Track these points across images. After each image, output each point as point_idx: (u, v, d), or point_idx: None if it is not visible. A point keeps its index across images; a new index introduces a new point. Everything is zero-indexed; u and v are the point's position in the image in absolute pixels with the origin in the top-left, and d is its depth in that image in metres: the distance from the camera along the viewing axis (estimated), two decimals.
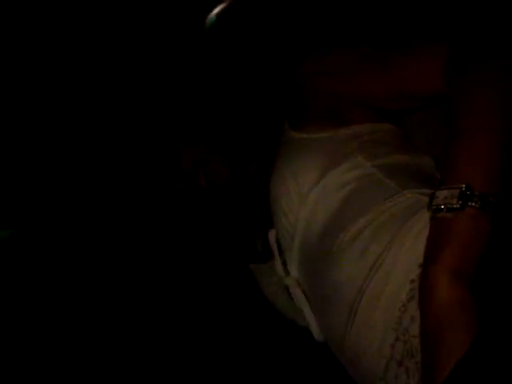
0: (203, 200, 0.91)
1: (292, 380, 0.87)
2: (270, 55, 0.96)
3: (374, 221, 0.74)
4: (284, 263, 0.87)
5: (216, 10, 0.99)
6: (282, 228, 0.87)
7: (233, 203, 0.91)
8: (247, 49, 0.98)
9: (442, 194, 0.62)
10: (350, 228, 0.76)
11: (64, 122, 1.07)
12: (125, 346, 0.93)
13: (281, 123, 0.91)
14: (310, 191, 0.81)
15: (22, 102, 1.07)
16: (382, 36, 0.87)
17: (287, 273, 0.87)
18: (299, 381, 0.87)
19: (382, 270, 0.71)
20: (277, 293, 0.90)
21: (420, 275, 0.66)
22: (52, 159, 1.06)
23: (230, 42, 1.00)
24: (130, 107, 0.99)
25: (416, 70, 0.74)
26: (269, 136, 0.92)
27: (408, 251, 0.70)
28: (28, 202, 1.06)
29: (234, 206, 0.91)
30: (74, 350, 0.93)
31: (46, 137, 1.07)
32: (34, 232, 1.04)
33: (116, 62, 1.05)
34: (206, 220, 0.93)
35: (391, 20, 0.91)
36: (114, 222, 1.02)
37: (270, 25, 0.99)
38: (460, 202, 0.60)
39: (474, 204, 0.59)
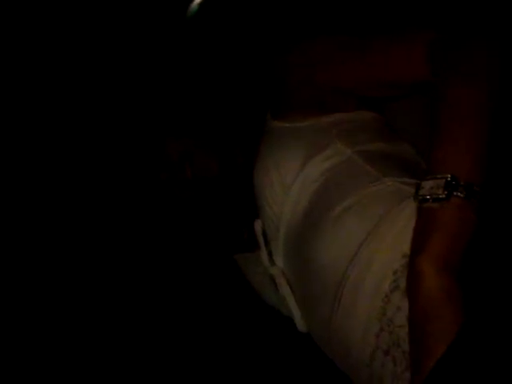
0: (190, 192, 0.91)
1: (278, 370, 0.87)
2: (253, 45, 0.95)
3: (354, 206, 0.74)
4: (270, 253, 0.87)
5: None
6: (267, 218, 0.86)
7: (220, 194, 0.91)
8: (229, 39, 0.97)
9: (427, 184, 0.62)
10: (331, 214, 0.75)
11: (53, 115, 1.05)
12: (119, 339, 0.93)
13: (264, 112, 0.90)
14: (293, 182, 0.81)
15: (20, 101, 1.05)
16: (365, 24, 0.87)
17: (273, 263, 0.87)
18: (285, 371, 0.87)
19: (365, 257, 0.71)
20: (263, 282, 0.89)
21: (404, 266, 0.67)
22: (41, 153, 1.05)
23: (212, 31, 0.99)
24: (118, 100, 0.97)
25: (400, 58, 0.73)
26: (253, 125, 0.91)
27: (391, 240, 0.70)
28: (27, 204, 1.04)
29: (222, 197, 0.91)
30: (72, 349, 0.92)
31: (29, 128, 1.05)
32: (34, 235, 1.02)
33: (103, 56, 1.03)
34: (193, 212, 0.92)
35: (375, 8, 0.90)
36: (103, 216, 1.01)
37: (253, 14, 0.98)
38: (446, 192, 0.60)
39: (459, 194, 0.60)
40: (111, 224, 1.01)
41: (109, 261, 0.99)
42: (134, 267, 0.98)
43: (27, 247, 1.02)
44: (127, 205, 0.99)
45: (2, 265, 0.99)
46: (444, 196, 0.60)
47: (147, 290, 0.97)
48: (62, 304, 0.96)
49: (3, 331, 0.93)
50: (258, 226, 0.89)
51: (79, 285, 0.98)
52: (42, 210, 1.03)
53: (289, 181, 0.82)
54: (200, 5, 0.97)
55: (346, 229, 0.74)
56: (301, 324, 0.84)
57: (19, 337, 0.94)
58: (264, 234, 0.88)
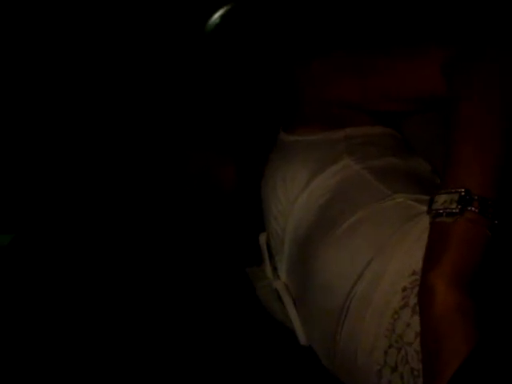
0: (211, 203, 0.90)
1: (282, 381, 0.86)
2: (272, 58, 0.95)
3: (363, 222, 0.73)
4: (274, 267, 0.86)
5: (219, 12, 0.98)
6: (272, 231, 0.86)
7: (236, 206, 0.90)
8: (250, 51, 0.97)
9: (441, 198, 0.61)
10: (337, 229, 0.74)
11: (67, 124, 1.05)
12: (124, 346, 0.91)
13: (277, 124, 0.91)
14: (298, 196, 0.81)
15: (21, 102, 1.05)
16: (380, 38, 0.87)
17: (277, 277, 0.86)
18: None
19: (373, 273, 0.70)
20: (268, 296, 0.88)
21: (413, 283, 0.66)
22: (53, 162, 1.04)
23: (233, 44, 0.99)
24: (138, 112, 0.97)
25: (415, 73, 0.73)
26: (272, 139, 0.91)
27: (401, 258, 0.69)
28: (29, 205, 1.04)
29: (237, 209, 0.91)
30: (74, 352, 0.91)
31: (47, 139, 1.05)
32: (34, 236, 1.01)
33: (122, 67, 1.04)
34: (211, 223, 0.92)
35: (390, 22, 0.91)
36: (115, 224, 1.00)
37: (274, 28, 0.98)
38: (459, 207, 0.59)
39: (473, 208, 0.59)
40: (125, 234, 1.00)
41: (120, 268, 0.98)
42: (144, 275, 0.97)
43: (27, 246, 1.01)
44: (142, 215, 0.98)
45: (2, 264, 0.98)
46: (457, 210, 0.59)
47: (159, 299, 0.96)
48: (62, 304, 0.95)
49: (4, 336, 0.92)
50: (262, 239, 0.88)
51: (86, 286, 0.98)
52: (46, 208, 1.03)
53: (294, 195, 0.81)
54: (222, 18, 0.97)
55: (353, 245, 0.73)
56: (302, 338, 0.82)
57: (19, 336, 0.92)
58: (269, 248, 0.87)
